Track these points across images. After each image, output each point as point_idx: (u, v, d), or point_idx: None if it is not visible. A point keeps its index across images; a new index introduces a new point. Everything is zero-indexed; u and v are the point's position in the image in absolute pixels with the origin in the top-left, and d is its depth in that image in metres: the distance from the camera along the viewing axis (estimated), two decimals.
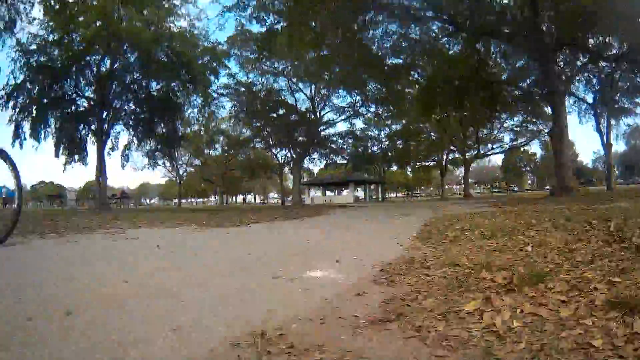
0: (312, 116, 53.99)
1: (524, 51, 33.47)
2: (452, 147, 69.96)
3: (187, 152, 77.77)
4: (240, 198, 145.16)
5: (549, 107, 36.43)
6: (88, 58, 36.61)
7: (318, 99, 53.65)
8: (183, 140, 51.83)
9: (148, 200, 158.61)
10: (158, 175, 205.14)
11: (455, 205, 26.30)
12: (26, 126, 36.66)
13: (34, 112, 36.76)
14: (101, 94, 37.94)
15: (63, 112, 39.07)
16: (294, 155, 58.39)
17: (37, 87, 35.63)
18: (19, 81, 34.83)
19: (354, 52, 35.71)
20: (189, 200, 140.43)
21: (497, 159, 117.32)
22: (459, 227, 9.59)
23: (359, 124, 63.40)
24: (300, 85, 53.69)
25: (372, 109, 54.99)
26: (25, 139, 36.49)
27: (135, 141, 44.41)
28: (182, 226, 13.36)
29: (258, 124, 56.15)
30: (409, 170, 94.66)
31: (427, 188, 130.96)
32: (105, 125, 39.53)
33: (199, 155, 77.48)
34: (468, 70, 33.80)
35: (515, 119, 58.92)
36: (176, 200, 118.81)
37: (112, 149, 42.68)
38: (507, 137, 67.42)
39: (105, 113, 39.08)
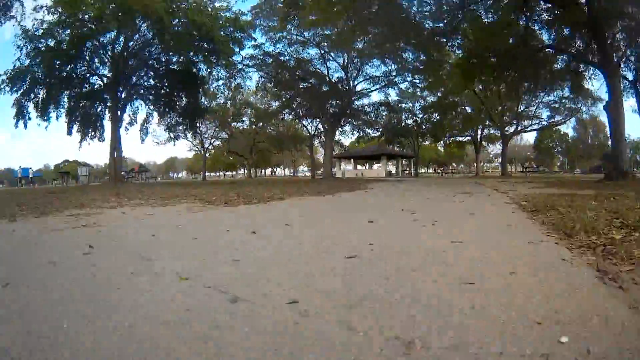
0: (345, 86, 51.35)
1: (573, 21, 29.66)
2: (487, 123, 66.94)
3: (213, 125, 75.94)
4: (269, 171, 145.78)
5: (591, 83, 38.31)
6: (100, 37, 36.58)
7: (351, 68, 50.72)
8: (206, 112, 52.45)
9: (175, 174, 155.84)
10: (184, 150, 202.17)
11: (505, 184, 23.98)
12: (30, 106, 37.38)
13: (42, 93, 37.43)
14: (116, 72, 38.17)
15: (74, 91, 39.70)
16: (326, 127, 55.42)
17: (45, 69, 35.49)
18: (24, 66, 35.09)
19: (390, 16, 32.92)
20: (218, 173, 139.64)
21: (530, 138, 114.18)
22: (599, 217, 6.83)
23: (393, 95, 60.17)
24: (332, 54, 49.48)
25: (408, 79, 52.20)
26: (30, 118, 37.52)
27: (156, 115, 44.77)
28: (183, 204, 12.16)
29: (287, 95, 53.90)
30: (441, 145, 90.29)
31: (457, 164, 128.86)
32: (121, 102, 40.51)
33: (225, 128, 75.41)
34: (513, 39, 32.22)
35: (553, 95, 57.05)
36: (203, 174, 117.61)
37: (130, 123, 44.48)
38: (544, 114, 64.46)
39: (120, 89, 39.96)
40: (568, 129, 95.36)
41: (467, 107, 64.80)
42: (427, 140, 79.46)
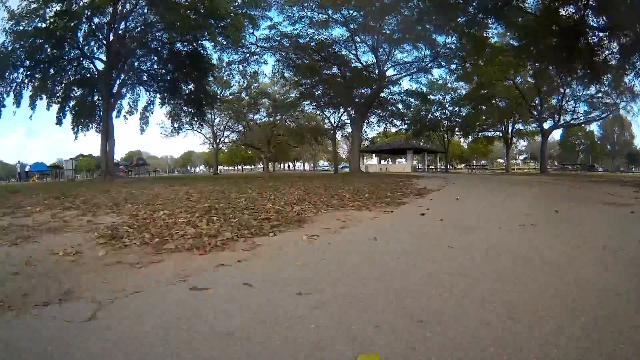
0: (375, 71, 45.85)
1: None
2: (518, 118, 63.77)
3: (227, 117, 71.34)
4: (289, 165, 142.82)
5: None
6: (93, 16, 32.54)
7: (380, 52, 44.62)
8: (216, 100, 49.41)
9: (192, 169, 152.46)
10: (198, 143, 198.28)
11: (561, 185, 22.46)
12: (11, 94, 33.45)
13: (22, 78, 33.80)
14: (110, 54, 34.19)
15: (65, 77, 36.98)
16: (353, 116, 49.89)
17: (27, 52, 32.00)
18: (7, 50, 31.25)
19: None
20: (236, 167, 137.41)
21: (554, 135, 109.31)
22: None
23: (422, 85, 54.16)
24: (361, 35, 43.44)
25: (443, 64, 46.71)
26: (4, 106, 33.54)
27: (158, 101, 41.37)
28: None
29: (308, 83, 49.28)
30: (468, 140, 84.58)
31: (479, 161, 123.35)
32: (114, 88, 36.48)
33: (241, 119, 70.41)
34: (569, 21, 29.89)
35: (592, 89, 51.72)
36: (220, 168, 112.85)
37: (130, 112, 41.49)
38: (581, 109, 59.48)
39: (114, 74, 35.86)
40: (594, 126, 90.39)
41: (500, 102, 60.36)
42: (457, 135, 76.21)
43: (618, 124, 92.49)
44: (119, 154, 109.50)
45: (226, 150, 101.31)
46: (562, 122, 59.55)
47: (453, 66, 46.31)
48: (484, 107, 59.93)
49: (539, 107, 55.65)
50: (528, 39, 32.56)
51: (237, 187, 17.44)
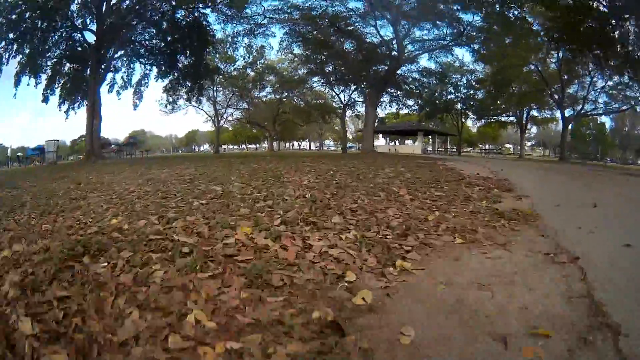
0: (394, 46, 41.80)
1: None
2: (535, 105, 61.23)
3: (230, 93, 67.51)
4: (295, 145, 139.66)
5: None
6: None
7: (400, 28, 40.74)
8: (217, 73, 48.24)
9: (196, 148, 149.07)
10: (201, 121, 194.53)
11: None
12: None
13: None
14: (101, 26, 32.56)
15: (52, 51, 34.60)
16: (367, 94, 45.94)
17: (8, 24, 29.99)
18: None
19: None
20: (240, 146, 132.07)
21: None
22: None
23: (443, 61, 51.45)
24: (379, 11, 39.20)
25: (465, 44, 42.97)
26: None
27: (153, 75, 40.09)
28: None
29: (319, 58, 45.92)
30: (479, 124, 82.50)
31: (486, 144, 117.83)
32: (104, 61, 35.13)
33: (245, 96, 66.85)
34: None
35: (613, 80, 48.65)
36: (224, 147, 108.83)
37: (124, 87, 39.56)
38: (601, 100, 55.45)
39: (107, 47, 34.54)
40: (606, 119, 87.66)
41: (519, 87, 57.34)
42: (471, 118, 72.81)
43: (632, 117, 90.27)
44: (122, 134, 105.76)
45: (230, 129, 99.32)
46: (586, 111, 56.41)
47: (476, 46, 42.86)
48: (502, 92, 56.56)
49: (560, 95, 52.15)
50: (564, 20, 31.04)
51: (223, 171, 14.27)
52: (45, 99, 34.94)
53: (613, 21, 30.57)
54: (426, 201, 7.89)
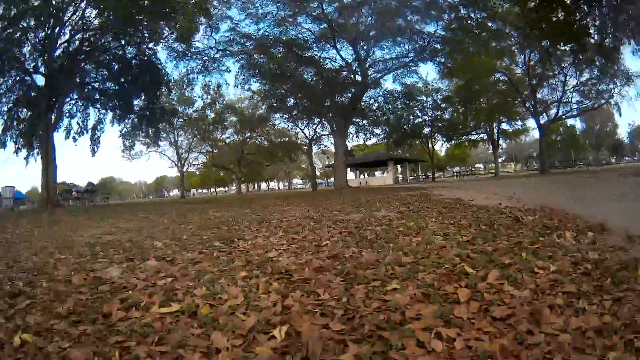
0: (358, 71, 40.89)
1: None
2: (503, 117, 59.71)
3: (192, 136, 65.42)
4: (263, 185, 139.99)
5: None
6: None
7: (360, 49, 39.53)
8: (174, 115, 46.34)
9: (166, 193, 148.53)
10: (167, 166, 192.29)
11: None
12: None
13: None
14: (51, 69, 31.48)
15: (1, 94, 33.67)
16: (334, 125, 43.87)
17: None
18: None
19: None
20: (210, 190, 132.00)
21: (534, 134, 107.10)
22: None
23: (407, 82, 48.81)
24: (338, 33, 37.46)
25: (428, 60, 41.52)
26: None
27: (108, 119, 38.41)
28: None
29: (278, 92, 44.12)
30: (447, 146, 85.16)
31: (454, 167, 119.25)
32: (56, 105, 33.61)
33: (206, 139, 64.79)
34: None
35: (584, 76, 49.60)
36: (193, 191, 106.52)
37: (80, 132, 37.52)
38: (573, 99, 54.35)
39: (59, 91, 32.67)
40: (576, 121, 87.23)
41: (486, 100, 56.10)
42: (440, 140, 71.18)
43: (603, 114, 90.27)
44: (91, 180, 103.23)
45: (197, 173, 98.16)
46: (562, 114, 55.25)
47: (441, 59, 41.26)
48: (471, 106, 56.14)
49: (532, 101, 51.22)
50: (534, 14, 30.11)
51: (158, 228, 10.97)
52: (3, 145, 34.44)
53: (585, 8, 29.52)
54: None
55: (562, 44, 35.42)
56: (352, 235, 6.82)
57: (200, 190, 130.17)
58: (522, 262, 4.26)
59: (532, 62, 47.56)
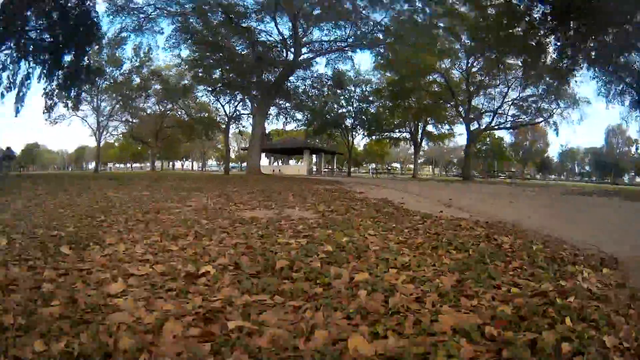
0: (291, 48, 38.70)
1: None
2: (431, 119, 58.93)
3: (115, 102, 59.98)
4: (178, 165, 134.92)
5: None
6: None
7: (300, 24, 37.16)
8: (100, 75, 42.79)
9: (85, 165, 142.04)
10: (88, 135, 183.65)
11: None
12: None
13: None
14: None
15: None
16: (256, 102, 42.35)
17: None
18: None
19: None
20: (127, 165, 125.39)
21: (460, 140, 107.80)
22: None
23: (341, 68, 47.31)
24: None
25: (366, 48, 40.28)
26: None
27: (37, 75, 33.74)
28: None
29: (207, 62, 41.89)
30: (366, 141, 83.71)
31: (370, 163, 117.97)
32: None
33: (129, 107, 60.18)
34: None
35: (528, 91, 49.46)
36: (110, 165, 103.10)
37: (9, 88, 33.33)
38: (510, 112, 54.16)
39: None
40: (505, 133, 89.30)
41: (416, 100, 54.26)
42: (361, 134, 69.51)
43: (535, 131, 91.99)
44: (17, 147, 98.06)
45: (117, 145, 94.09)
46: (495, 124, 54.46)
47: (382, 50, 40.38)
48: (401, 103, 54.04)
49: (466, 107, 50.07)
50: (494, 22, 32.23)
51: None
52: None
53: (542, 31, 30.60)
54: None
55: (513, 56, 36.58)
56: (252, 256, 4.65)
57: (117, 165, 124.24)
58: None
59: (473, 69, 46.89)
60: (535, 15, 30.25)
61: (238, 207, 9.73)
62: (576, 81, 38.35)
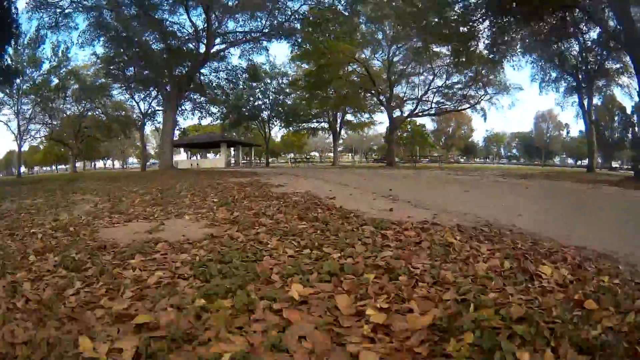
0: (203, 40, 36.85)
1: None
2: (353, 108, 58.08)
3: (35, 104, 56.57)
4: (100, 164, 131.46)
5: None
6: None
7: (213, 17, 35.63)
8: (13, 74, 37.19)
9: (15, 170, 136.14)
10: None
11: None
12: None
13: None
14: None
15: None
16: (166, 94, 39.96)
17: None
18: None
19: None
20: (53, 168, 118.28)
21: (379, 129, 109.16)
22: None
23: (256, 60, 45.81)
24: None
25: (283, 38, 38.15)
26: None
27: None
28: None
29: (120, 59, 40.40)
30: (283, 132, 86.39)
31: (287, 153, 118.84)
32: None
33: (48, 108, 57.00)
34: None
35: (452, 79, 48.90)
36: (37, 169, 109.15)
37: None
38: (433, 99, 53.42)
39: None
40: (426, 120, 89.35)
41: (336, 89, 52.53)
42: (278, 126, 71.44)
43: (459, 117, 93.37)
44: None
45: (41, 148, 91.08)
46: (419, 111, 53.41)
47: (299, 40, 38.79)
48: (318, 93, 52.98)
49: (386, 96, 49.45)
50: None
51: None
52: None
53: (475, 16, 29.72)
54: None
55: (442, 43, 35.90)
56: None
57: (45, 168, 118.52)
58: None
59: (395, 58, 46.64)
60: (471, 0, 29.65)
61: (112, 219, 7.87)
62: (513, 66, 40.22)
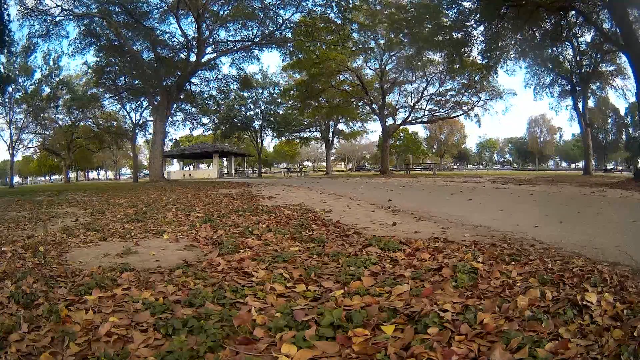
0: (194, 48, 36.66)
1: None
2: (345, 117, 59.25)
3: (26, 114, 55.51)
4: (93, 174, 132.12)
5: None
6: None
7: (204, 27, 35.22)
8: (6, 83, 36.84)
9: (8, 179, 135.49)
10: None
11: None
12: None
13: None
14: None
15: None
16: (156, 103, 38.93)
17: None
18: None
19: None
20: (47, 178, 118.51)
21: (372, 137, 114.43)
22: None
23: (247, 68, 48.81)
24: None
25: (274, 47, 38.97)
26: None
27: None
28: None
29: (111, 69, 41.01)
30: (279, 141, 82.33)
31: (279, 164, 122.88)
32: None
33: (40, 118, 55.82)
34: None
35: (445, 86, 49.19)
36: (31, 179, 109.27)
37: None
38: (428, 107, 53.06)
39: None
40: (420, 128, 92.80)
41: (327, 98, 53.56)
42: (270, 135, 70.36)
43: (452, 124, 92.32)
44: None
45: (35, 158, 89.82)
46: (412, 119, 52.57)
47: (290, 49, 38.65)
48: (310, 103, 52.10)
49: (378, 104, 49.22)
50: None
51: None
52: None
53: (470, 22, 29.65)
54: None
55: (436, 50, 35.78)
56: None
57: (39, 178, 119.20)
58: None
59: (387, 67, 46.23)
60: (466, 5, 29.23)
61: (86, 237, 7.13)
62: (507, 72, 39.35)
